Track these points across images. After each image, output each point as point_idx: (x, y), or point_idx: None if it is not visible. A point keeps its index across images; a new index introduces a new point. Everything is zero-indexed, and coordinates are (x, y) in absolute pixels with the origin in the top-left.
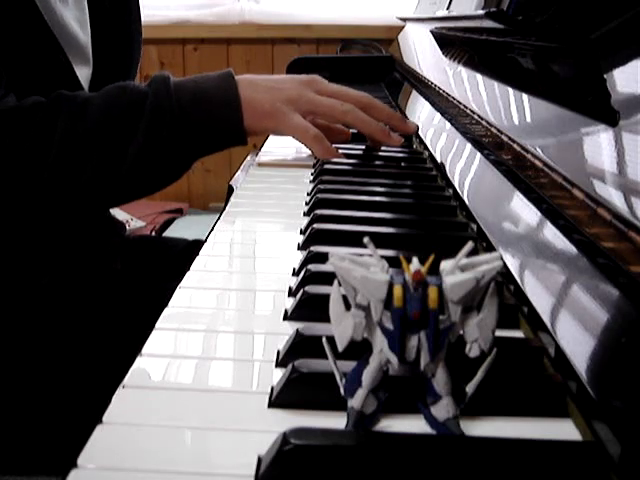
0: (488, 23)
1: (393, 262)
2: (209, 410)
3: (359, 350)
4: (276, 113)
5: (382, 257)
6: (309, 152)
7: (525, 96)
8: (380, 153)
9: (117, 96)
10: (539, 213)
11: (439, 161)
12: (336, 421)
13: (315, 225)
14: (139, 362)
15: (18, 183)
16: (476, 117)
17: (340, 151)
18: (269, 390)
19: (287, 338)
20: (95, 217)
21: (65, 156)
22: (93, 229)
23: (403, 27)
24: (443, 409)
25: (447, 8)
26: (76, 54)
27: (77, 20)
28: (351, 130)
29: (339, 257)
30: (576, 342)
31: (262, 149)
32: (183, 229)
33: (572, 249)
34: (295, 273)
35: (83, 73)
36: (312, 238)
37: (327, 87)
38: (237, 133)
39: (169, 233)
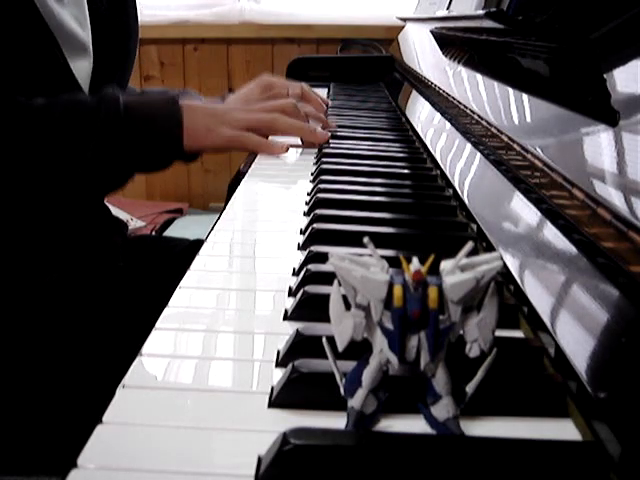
0: (488, 23)
1: (393, 262)
2: (209, 410)
3: (359, 350)
4: (210, 134)
5: (382, 257)
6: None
7: (525, 96)
8: (380, 153)
9: (70, 110)
10: (539, 213)
11: (439, 161)
12: (336, 421)
13: (315, 225)
14: (139, 362)
15: None
16: (476, 117)
17: (340, 151)
18: (269, 390)
19: (287, 338)
20: (75, 212)
21: (20, 160)
22: (96, 228)
23: (403, 27)
24: (443, 409)
25: (447, 8)
26: (74, 50)
27: (75, 18)
28: (351, 131)
29: (339, 257)
30: (576, 342)
31: None
32: (183, 229)
33: (572, 249)
34: (295, 273)
35: (83, 68)
36: (312, 238)
37: (256, 105)
38: (178, 152)
39: (169, 233)
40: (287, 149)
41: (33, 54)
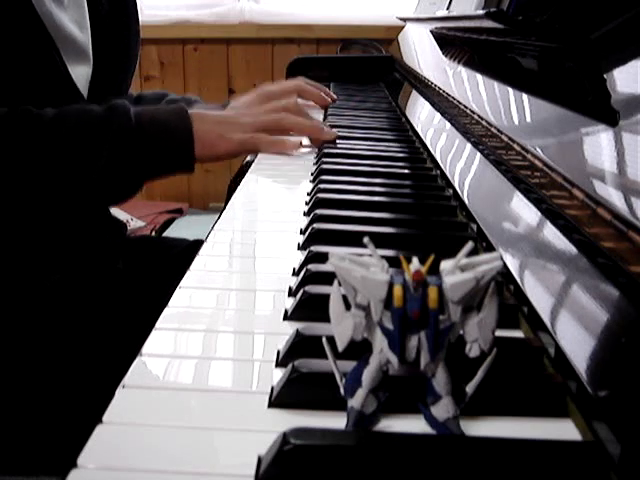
0: (488, 23)
1: (393, 262)
2: (209, 410)
3: (359, 350)
4: (221, 141)
5: (382, 257)
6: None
7: (525, 96)
8: (380, 153)
9: (81, 121)
10: (539, 213)
11: (439, 161)
12: (336, 421)
13: (315, 225)
14: (139, 362)
15: None
16: (476, 117)
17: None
18: (269, 390)
19: (287, 338)
20: (79, 217)
21: (29, 171)
22: (95, 229)
23: (403, 27)
24: (443, 409)
25: (447, 8)
26: (73, 54)
27: (75, 21)
28: (351, 131)
29: (339, 257)
30: (576, 342)
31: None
32: (183, 229)
33: (572, 249)
34: (295, 273)
35: (83, 72)
36: (312, 238)
37: (261, 108)
38: (188, 161)
39: (169, 233)
40: (300, 145)
41: (30, 58)
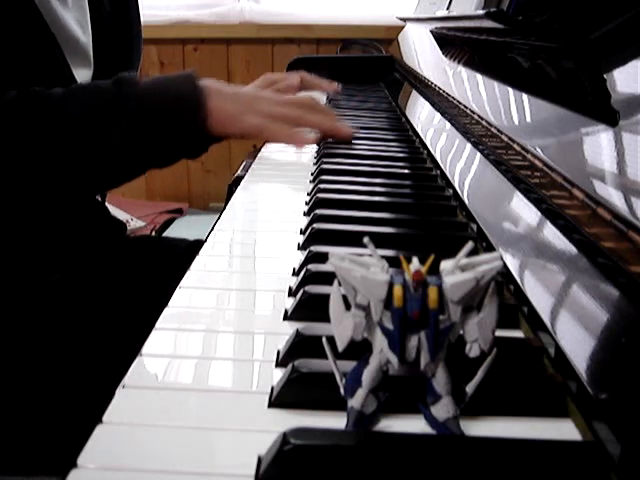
0: (488, 23)
1: (393, 262)
2: (209, 410)
3: (359, 350)
4: (237, 120)
5: (382, 257)
6: (308, 147)
7: (525, 96)
8: (380, 153)
9: (91, 98)
10: (539, 213)
11: (439, 161)
12: (336, 421)
13: (315, 225)
14: (139, 362)
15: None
16: (476, 117)
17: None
18: (269, 390)
19: (287, 338)
20: (77, 207)
21: (41, 152)
22: (95, 229)
23: (403, 27)
24: (443, 409)
25: (447, 8)
26: (75, 55)
27: (77, 21)
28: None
29: (339, 257)
30: (576, 342)
31: (262, 149)
32: (183, 229)
33: (572, 249)
34: (295, 273)
35: (83, 74)
36: (312, 238)
37: (279, 98)
38: (201, 139)
39: (169, 233)
40: (316, 140)
41: (33, 58)
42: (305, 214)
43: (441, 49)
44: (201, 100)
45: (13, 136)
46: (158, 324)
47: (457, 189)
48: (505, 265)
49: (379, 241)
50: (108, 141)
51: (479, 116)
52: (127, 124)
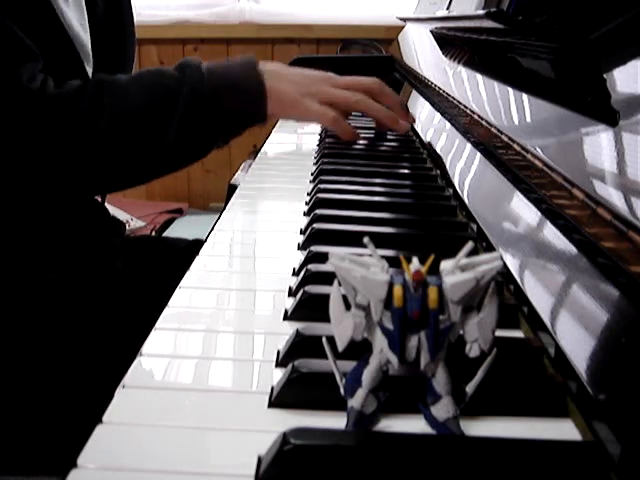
0: (488, 23)
1: (393, 262)
2: (209, 410)
3: (359, 350)
4: (297, 103)
5: (382, 257)
6: (308, 147)
7: (525, 96)
8: (380, 153)
9: (155, 82)
10: (539, 213)
11: (439, 161)
12: (336, 421)
13: (315, 225)
14: (139, 362)
15: (65, 166)
16: (476, 117)
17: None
18: (269, 390)
19: (287, 338)
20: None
21: (110, 138)
22: (95, 229)
23: (403, 27)
24: (443, 409)
25: (447, 8)
26: (81, 52)
27: (78, 20)
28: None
29: (339, 257)
30: (576, 342)
31: (262, 149)
32: (183, 229)
33: (572, 249)
34: (295, 273)
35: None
36: (312, 238)
37: (341, 80)
38: (260, 119)
39: (169, 233)
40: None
41: (53, 55)
42: (305, 214)
43: (441, 49)
44: (260, 81)
45: (84, 123)
46: (158, 324)
47: (457, 189)
48: (505, 265)
49: (379, 241)
50: (171, 120)
51: (479, 116)
52: (187, 109)
